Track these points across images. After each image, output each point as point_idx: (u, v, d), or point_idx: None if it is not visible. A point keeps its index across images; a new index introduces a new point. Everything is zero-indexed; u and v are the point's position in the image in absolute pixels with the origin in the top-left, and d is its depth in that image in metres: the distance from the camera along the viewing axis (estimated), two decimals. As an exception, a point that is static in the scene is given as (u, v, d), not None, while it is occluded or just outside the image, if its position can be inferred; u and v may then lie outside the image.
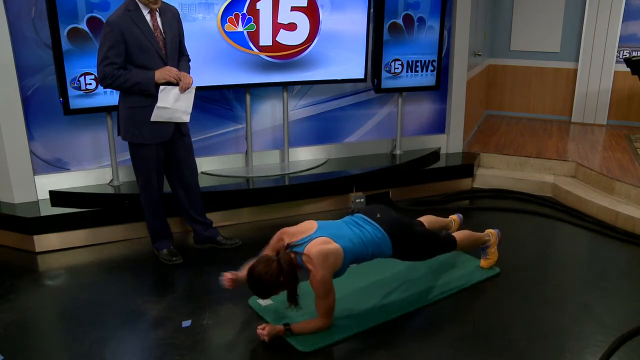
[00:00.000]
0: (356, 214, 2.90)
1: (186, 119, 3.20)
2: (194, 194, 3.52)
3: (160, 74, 3.07)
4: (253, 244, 3.72)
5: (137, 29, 3.02)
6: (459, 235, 3.18)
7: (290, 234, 2.69)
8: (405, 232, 2.85)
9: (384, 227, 2.77)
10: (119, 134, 3.28)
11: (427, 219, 3.24)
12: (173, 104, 3.11)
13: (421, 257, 3.03)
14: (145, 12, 3.06)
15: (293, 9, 4.17)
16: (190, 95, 3.16)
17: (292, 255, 2.57)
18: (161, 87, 3.07)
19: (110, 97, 3.63)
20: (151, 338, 2.70)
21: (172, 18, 3.19)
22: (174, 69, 3.11)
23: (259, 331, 2.57)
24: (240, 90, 4.33)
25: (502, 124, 6.62)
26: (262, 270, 2.48)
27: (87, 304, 3.01)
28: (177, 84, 3.09)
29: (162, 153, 3.27)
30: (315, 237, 2.59)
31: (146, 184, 3.32)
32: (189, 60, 3.35)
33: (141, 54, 3.06)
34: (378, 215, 2.84)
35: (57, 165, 3.91)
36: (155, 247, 3.53)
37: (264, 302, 2.90)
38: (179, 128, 3.27)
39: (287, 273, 2.50)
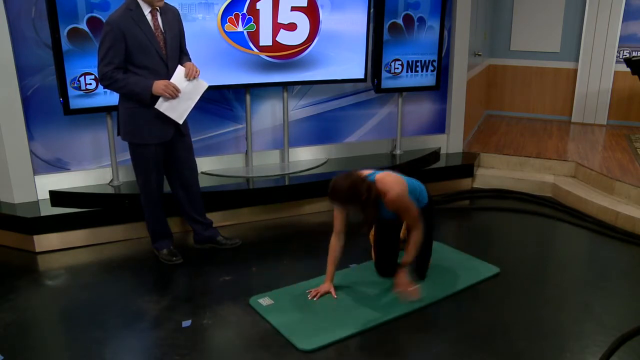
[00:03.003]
0: None
1: (179, 121, 3.18)
2: (194, 194, 3.52)
3: (157, 87, 3.03)
4: (253, 244, 3.75)
5: (137, 29, 3.02)
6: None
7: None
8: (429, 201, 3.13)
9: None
10: (118, 134, 3.28)
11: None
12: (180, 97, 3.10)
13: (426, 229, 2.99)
14: (146, 11, 3.05)
15: (293, 9, 4.17)
16: (194, 98, 3.18)
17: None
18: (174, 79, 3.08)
19: (110, 97, 3.63)
20: (151, 338, 2.70)
21: (173, 18, 3.18)
22: (173, 85, 3.06)
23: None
24: (240, 90, 4.33)
25: (502, 124, 6.62)
26: (356, 180, 2.66)
27: (87, 304, 3.01)
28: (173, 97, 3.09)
29: (161, 153, 3.27)
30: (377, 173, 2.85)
31: (146, 184, 3.32)
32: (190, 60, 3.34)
33: (141, 54, 3.05)
34: None
35: (57, 165, 3.91)
36: (155, 247, 3.53)
37: (265, 302, 2.91)
38: (178, 129, 3.27)
39: (372, 198, 2.69)
